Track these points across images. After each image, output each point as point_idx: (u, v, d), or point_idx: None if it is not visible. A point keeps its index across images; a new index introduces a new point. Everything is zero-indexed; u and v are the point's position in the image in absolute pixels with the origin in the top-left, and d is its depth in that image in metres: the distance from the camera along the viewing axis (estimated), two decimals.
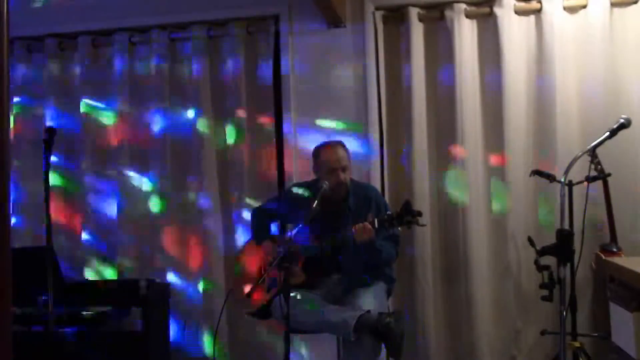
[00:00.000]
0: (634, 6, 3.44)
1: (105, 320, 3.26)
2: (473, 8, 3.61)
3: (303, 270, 3.01)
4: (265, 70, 3.86)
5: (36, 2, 4.03)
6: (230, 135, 3.91)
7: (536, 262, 2.45)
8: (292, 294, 2.56)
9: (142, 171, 4.00)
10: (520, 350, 3.53)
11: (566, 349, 2.58)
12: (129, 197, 3.98)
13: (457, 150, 3.56)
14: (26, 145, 4.09)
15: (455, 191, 3.58)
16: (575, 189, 3.14)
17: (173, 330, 3.77)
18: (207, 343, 3.79)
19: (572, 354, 3.01)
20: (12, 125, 3.98)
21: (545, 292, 2.41)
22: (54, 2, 4.01)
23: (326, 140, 3.29)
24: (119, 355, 3.30)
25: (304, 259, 3.01)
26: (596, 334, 3.26)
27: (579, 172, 3.12)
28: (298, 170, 3.70)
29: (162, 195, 3.94)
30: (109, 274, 3.95)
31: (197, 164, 3.90)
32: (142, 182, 4.00)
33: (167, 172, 3.94)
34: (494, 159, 3.58)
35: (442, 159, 3.63)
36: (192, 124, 3.92)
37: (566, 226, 2.57)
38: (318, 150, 3.17)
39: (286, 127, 3.80)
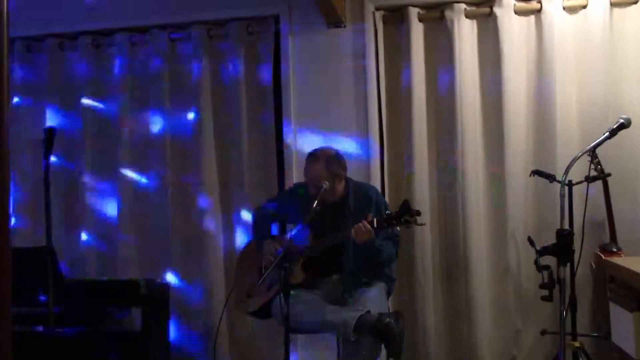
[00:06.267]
0: (634, 6, 3.44)
1: (105, 320, 3.26)
2: (473, 8, 3.61)
3: (303, 270, 3.00)
4: (265, 70, 3.86)
5: None
6: (230, 135, 3.91)
7: (536, 262, 2.45)
8: (292, 294, 2.56)
9: (142, 171, 4.01)
10: (520, 350, 3.53)
11: (566, 349, 2.58)
12: (131, 196, 3.98)
13: (457, 150, 3.56)
14: (26, 146, 4.09)
15: (455, 191, 3.58)
16: (575, 189, 3.14)
17: (173, 330, 3.77)
18: (207, 343, 3.79)
19: (572, 354, 3.01)
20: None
21: (545, 292, 2.42)
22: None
23: (313, 150, 3.18)
24: (119, 355, 3.30)
25: (304, 259, 3.01)
26: (596, 334, 3.26)
27: (579, 172, 3.13)
28: (298, 170, 3.69)
29: (162, 195, 3.94)
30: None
31: (197, 164, 3.90)
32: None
33: (166, 173, 3.93)
34: (494, 159, 3.58)
35: (442, 159, 3.63)
36: (192, 124, 3.92)
37: (566, 226, 2.57)
38: (306, 160, 3.14)
39: (286, 127, 3.80)
